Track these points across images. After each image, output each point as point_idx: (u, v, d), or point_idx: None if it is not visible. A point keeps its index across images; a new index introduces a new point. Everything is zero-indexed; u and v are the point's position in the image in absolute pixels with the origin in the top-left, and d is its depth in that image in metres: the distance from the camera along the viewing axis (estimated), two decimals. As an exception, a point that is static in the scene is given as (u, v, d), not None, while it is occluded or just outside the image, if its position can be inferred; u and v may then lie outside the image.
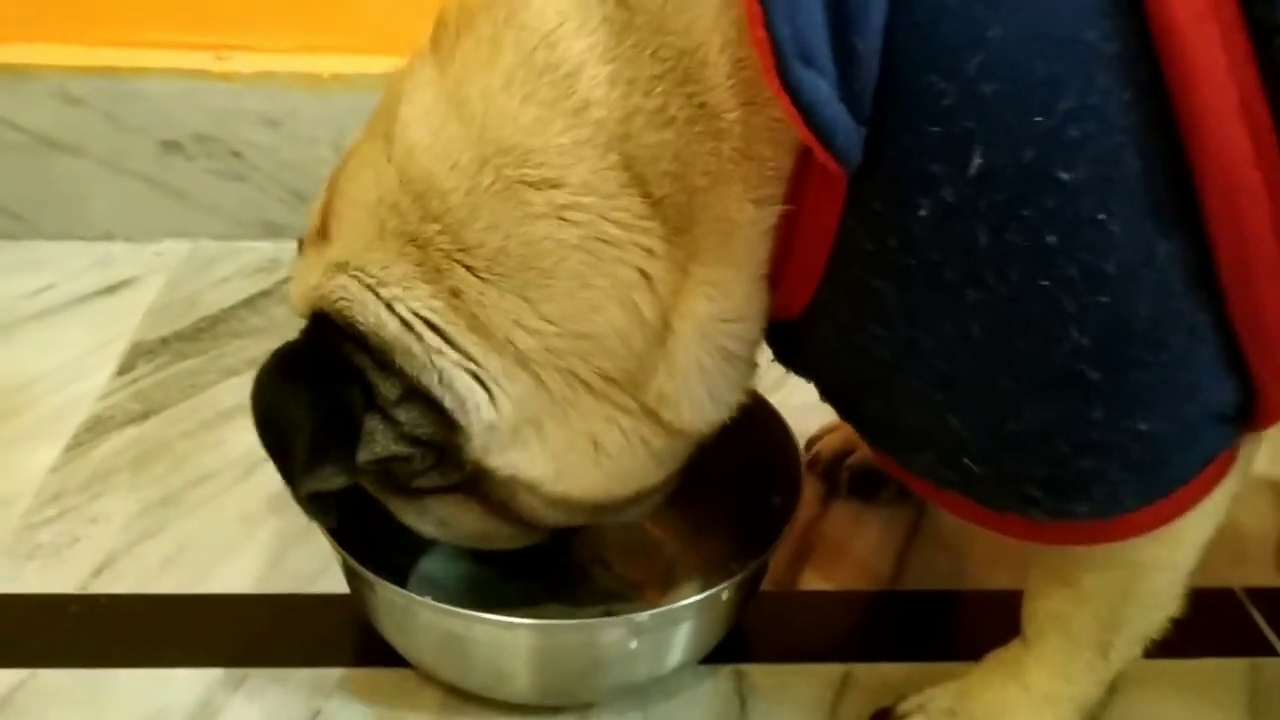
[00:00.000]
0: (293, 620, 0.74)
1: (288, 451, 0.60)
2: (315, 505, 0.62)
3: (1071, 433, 0.51)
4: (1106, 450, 0.52)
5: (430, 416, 0.59)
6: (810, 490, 0.87)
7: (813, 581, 0.80)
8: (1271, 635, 0.77)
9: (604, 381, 0.58)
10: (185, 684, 0.69)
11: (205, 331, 1.05)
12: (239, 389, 0.96)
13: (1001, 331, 0.49)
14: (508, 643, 0.64)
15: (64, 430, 0.91)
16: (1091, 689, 0.64)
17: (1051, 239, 0.47)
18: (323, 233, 0.61)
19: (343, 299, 0.58)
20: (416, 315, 0.57)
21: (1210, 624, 0.78)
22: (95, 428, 0.92)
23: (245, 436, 0.88)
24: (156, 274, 1.15)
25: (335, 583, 0.71)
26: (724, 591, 0.63)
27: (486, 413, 0.58)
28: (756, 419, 0.66)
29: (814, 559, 0.82)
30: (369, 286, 0.57)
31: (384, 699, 0.69)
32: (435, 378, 0.58)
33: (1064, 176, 0.46)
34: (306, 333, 0.61)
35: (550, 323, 0.56)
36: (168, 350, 1.02)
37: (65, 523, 0.82)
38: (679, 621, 0.64)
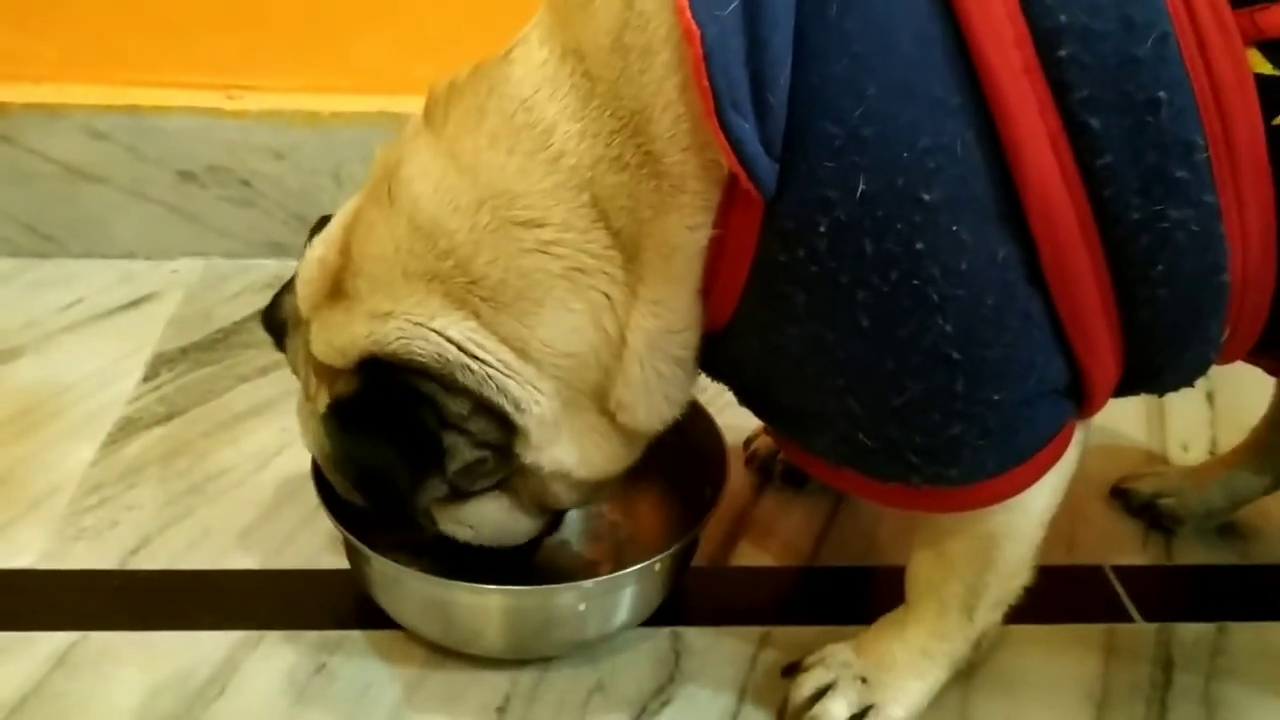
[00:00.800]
0: (301, 591, 0.86)
1: (389, 486, 0.69)
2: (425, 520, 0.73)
3: (941, 404, 0.63)
4: (969, 418, 0.63)
5: (495, 423, 0.69)
6: (746, 481, 1.00)
7: (744, 558, 0.93)
8: (1130, 605, 0.90)
9: (583, 393, 0.69)
10: (212, 644, 0.81)
11: (220, 342, 1.16)
12: (251, 393, 1.08)
13: (886, 322, 0.61)
14: (481, 606, 0.77)
15: (99, 430, 1.02)
16: (960, 645, 0.77)
17: (919, 245, 0.59)
18: (336, 294, 0.69)
19: (400, 338, 0.67)
20: (465, 338, 0.66)
21: (1080, 596, 0.91)
22: (126, 428, 1.03)
23: (258, 436, 1.03)
24: (175, 290, 1.26)
25: (337, 559, 0.83)
26: (656, 564, 0.76)
27: (536, 411, 0.68)
28: (691, 420, 0.77)
29: (746, 538, 0.94)
30: (419, 323, 0.66)
31: (378, 655, 0.81)
32: (494, 388, 0.67)
33: (926, 197, 0.58)
34: (362, 379, 0.69)
35: (546, 345, 0.67)
36: (187, 359, 1.14)
37: (105, 510, 0.94)
38: (620, 588, 0.77)
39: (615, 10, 0.62)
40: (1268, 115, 0.58)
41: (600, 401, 0.69)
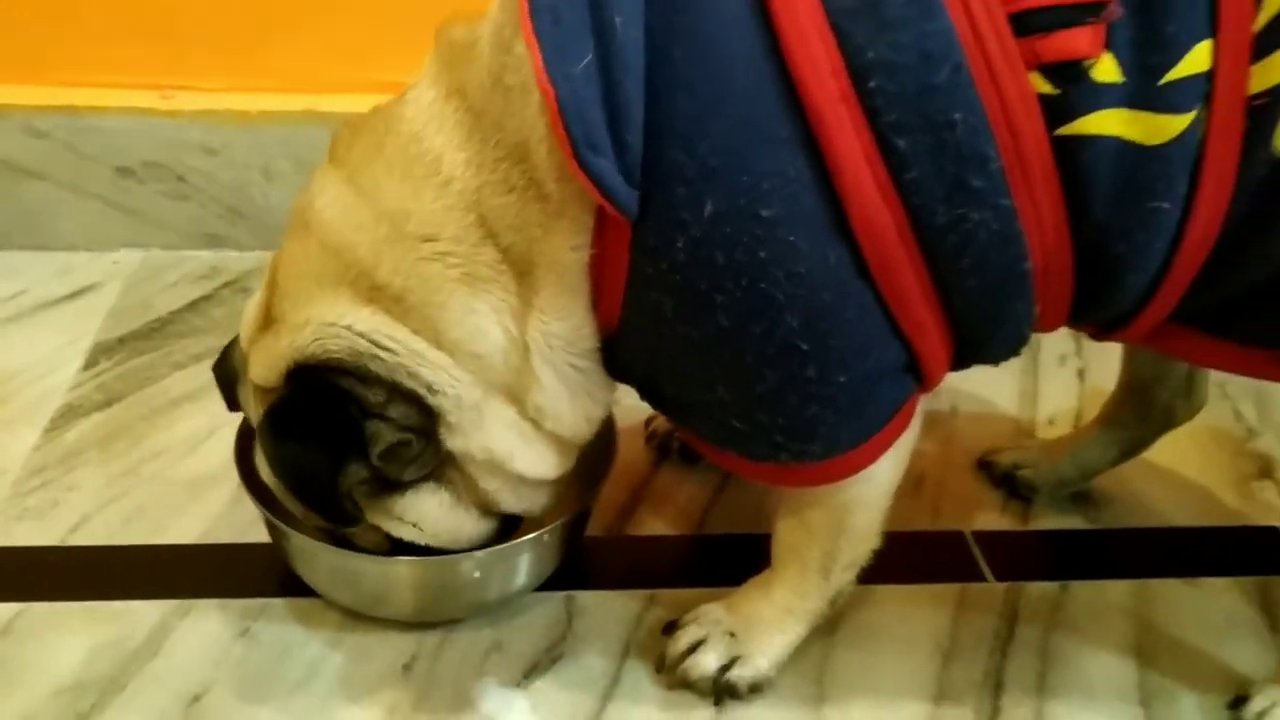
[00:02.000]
0: (228, 563, 0.94)
1: (317, 479, 0.76)
2: (351, 508, 0.78)
3: (797, 388, 0.72)
4: (822, 399, 0.72)
5: (413, 407, 0.75)
6: (645, 457, 1.09)
7: (639, 527, 1.01)
8: (984, 566, 0.99)
9: (499, 391, 0.75)
10: (146, 611, 0.89)
11: (157, 331, 1.23)
12: (185, 380, 1.15)
13: (742, 321, 0.69)
14: (386, 574, 0.85)
15: (42, 416, 1.09)
16: (818, 603, 0.86)
17: (763, 255, 0.67)
18: (267, 323, 0.77)
19: (316, 340, 0.74)
20: (374, 330, 0.73)
21: (940, 558, 1.01)
22: (68, 414, 1.10)
23: (191, 420, 1.10)
24: (114, 280, 1.32)
25: (260, 535, 0.90)
26: (545, 534, 0.85)
27: (451, 393, 0.74)
28: None
29: (642, 509, 1.03)
30: (331, 324, 0.73)
31: (297, 620, 0.89)
32: (405, 374, 0.74)
33: (765, 214, 0.66)
34: (289, 386, 0.75)
35: (456, 341, 0.74)
36: (125, 348, 1.20)
37: (47, 491, 1.01)
38: (512, 556, 0.86)
39: (495, 54, 0.69)
40: (1051, 128, 0.66)
41: (520, 406, 0.76)
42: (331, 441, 0.75)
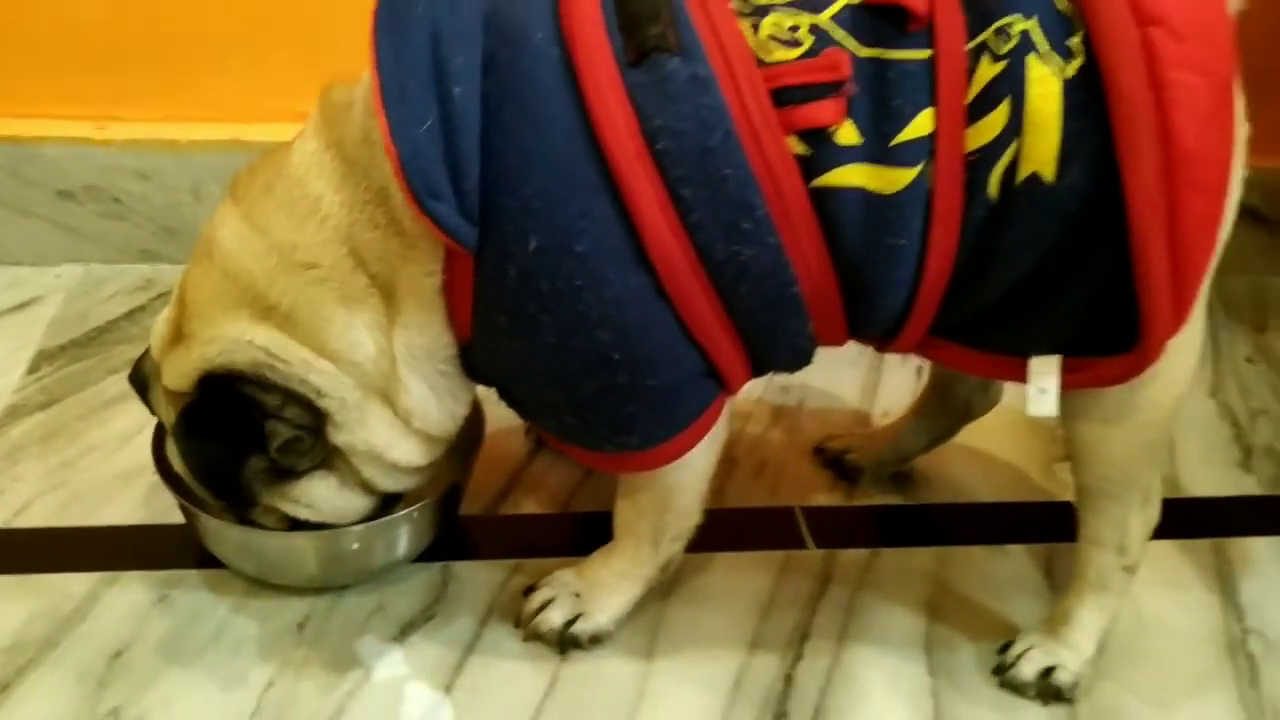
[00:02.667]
0: (150, 541, 1.09)
1: (221, 470, 0.90)
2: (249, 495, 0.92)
3: (615, 391, 0.86)
4: (637, 400, 0.87)
5: (304, 409, 0.89)
6: (523, 446, 1.24)
7: (512, 507, 1.17)
8: (807, 536, 1.15)
9: (375, 394, 0.90)
10: (77, 582, 1.04)
11: (95, 339, 1.36)
12: (119, 382, 1.25)
13: (565, 336, 0.84)
14: (285, 547, 1.00)
15: None
16: (650, 570, 1.01)
17: (578, 282, 0.81)
18: (177, 337, 0.90)
19: (221, 353, 0.87)
20: (271, 344, 0.87)
21: (771, 530, 1.16)
22: (12, 414, 1.24)
23: (122, 419, 1.24)
24: (57, 293, 1.44)
25: (177, 517, 1.04)
26: (415, 511, 1.00)
27: (337, 396, 0.88)
28: None
29: (516, 491, 1.18)
30: (234, 339, 0.87)
31: (208, 588, 1.04)
32: (298, 381, 0.87)
33: (578, 249, 0.81)
34: (199, 392, 0.89)
35: (338, 351, 0.88)
36: (65, 355, 1.33)
37: None
38: (388, 530, 1.01)
39: (365, 116, 0.83)
40: (807, 180, 0.80)
41: (392, 406, 0.90)
42: (235, 439, 0.89)
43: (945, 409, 1.18)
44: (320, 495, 0.95)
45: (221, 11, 1.40)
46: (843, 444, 1.24)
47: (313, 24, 1.39)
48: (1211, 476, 1.30)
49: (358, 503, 0.97)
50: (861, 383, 1.38)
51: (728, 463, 1.24)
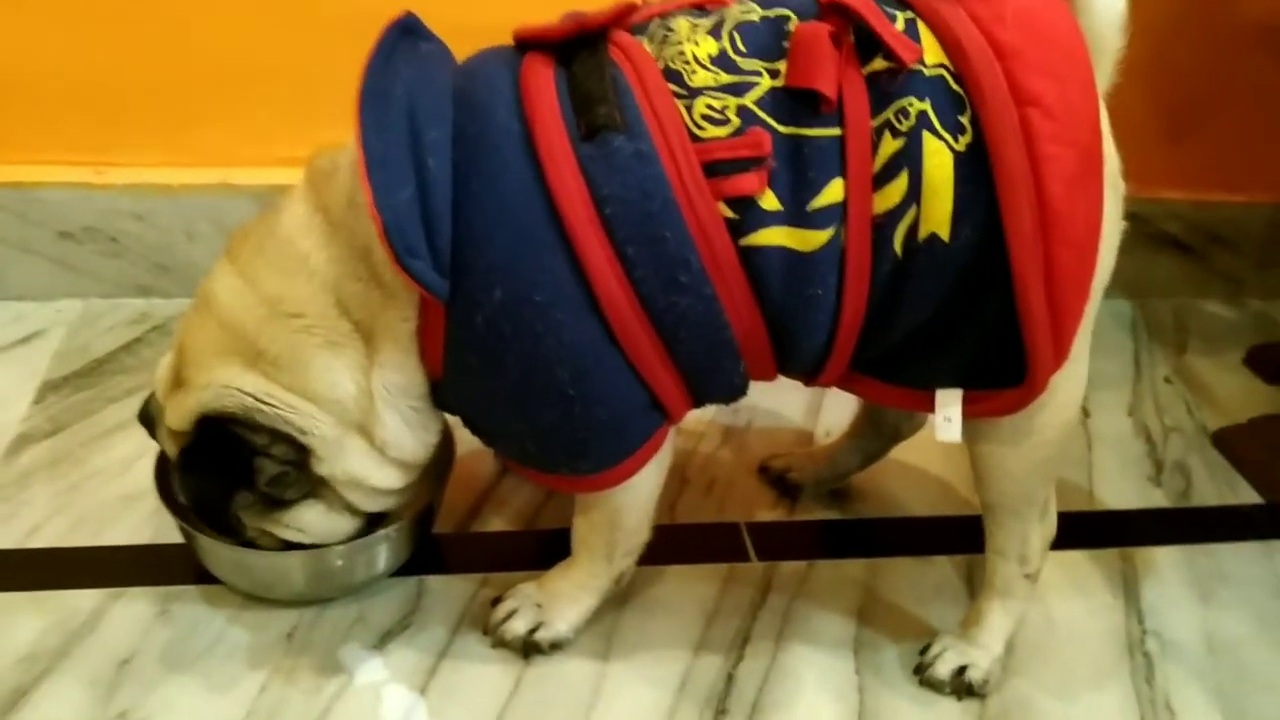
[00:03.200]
0: (152, 559, 1.18)
1: (214, 503, 1.01)
2: (237, 525, 1.04)
3: (569, 421, 0.97)
4: (588, 430, 0.98)
5: (290, 447, 0.99)
6: (491, 470, 1.34)
7: (483, 525, 1.27)
8: (751, 549, 1.26)
9: (353, 428, 1.00)
10: (86, 598, 1.13)
11: (95, 370, 1.45)
12: (119, 411, 1.38)
13: (526, 375, 0.94)
14: (275, 565, 1.10)
15: (0, 444, 1.33)
16: (605, 582, 1.12)
17: (538, 328, 0.92)
18: (177, 382, 1.00)
19: (216, 398, 0.97)
20: (258, 391, 0.97)
21: (718, 544, 1.27)
22: (22, 442, 1.33)
23: (124, 445, 1.34)
24: (59, 327, 1.52)
25: (177, 537, 1.13)
26: (393, 530, 1.11)
27: (318, 433, 0.99)
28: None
29: (486, 511, 1.29)
30: (225, 385, 0.97)
31: (205, 602, 1.14)
32: (283, 421, 0.98)
33: (537, 299, 0.91)
34: (197, 433, 0.99)
35: (319, 392, 0.98)
36: (69, 385, 1.42)
37: (7, 505, 1.24)
38: (370, 547, 1.11)
39: (348, 181, 0.94)
40: (735, 240, 0.90)
41: (369, 439, 1.01)
42: (229, 475, 1.00)
43: (877, 432, 1.29)
44: (310, 520, 1.06)
45: (210, 67, 1.49)
46: (784, 463, 1.35)
47: (292, 79, 1.50)
48: (1124, 490, 1.42)
49: (344, 524, 1.08)
50: (806, 405, 1.50)
51: (680, 481, 1.36)
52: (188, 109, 1.53)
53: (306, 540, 1.07)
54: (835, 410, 1.47)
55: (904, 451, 1.33)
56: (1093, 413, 1.55)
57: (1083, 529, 1.34)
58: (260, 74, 1.51)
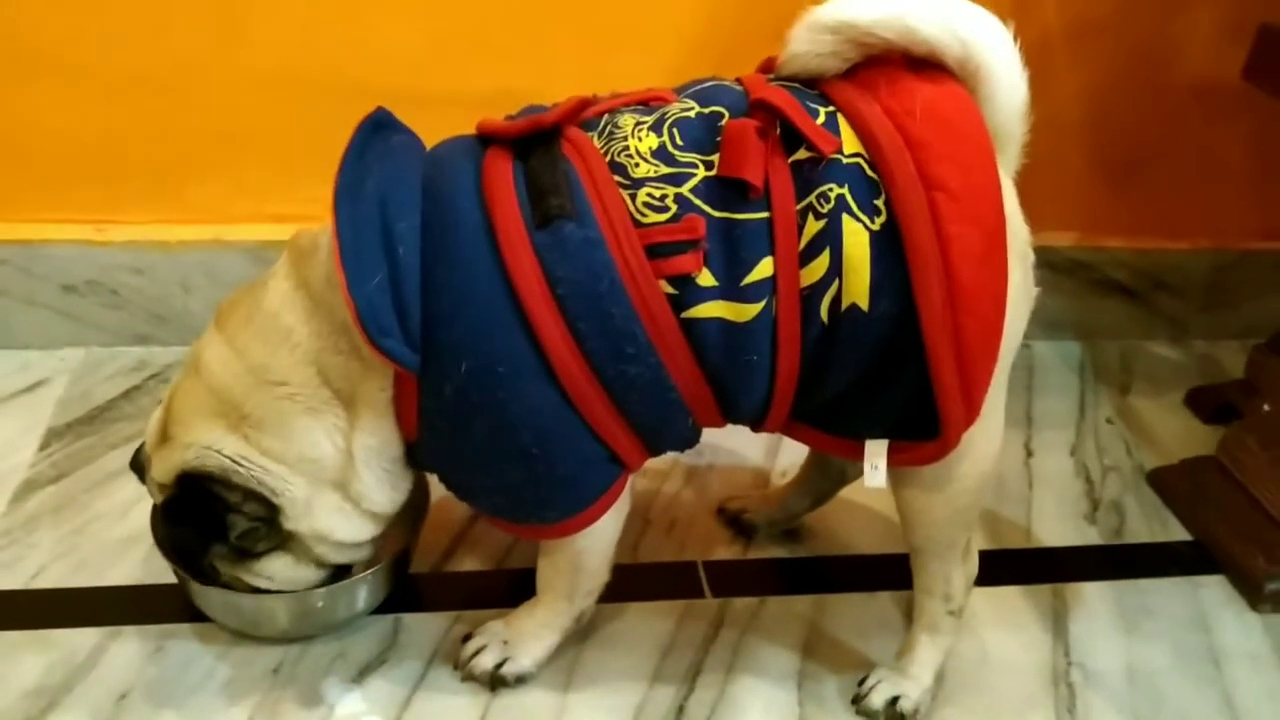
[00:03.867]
0: (148, 599, 1.27)
1: (191, 552, 1.11)
2: (212, 571, 1.14)
3: (533, 478, 1.05)
4: (551, 484, 1.07)
5: (262, 505, 1.07)
6: (464, 513, 1.43)
7: (456, 565, 1.36)
8: (706, 586, 1.35)
9: (326, 485, 1.09)
10: (86, 636, 1.22)
11: (96, 417, 1.54)
12: (120, 457, 1.45)
13: (493, 437, 1.03)
14: (261, 606, 1.19)
15: (7, 489, 1.40)
16: (566, 620, 1.20)
17: (501, 395, 1.01)
18: (164, 437, 1.09)
19: (196, 458, 1.05)
20: (236, 454, 1.06)
21: (675, 582, 1.36)
22: (27, 487, 1.41)
23: (123, 490, 1.43)
24: (62, 375, 1.61)
25: (172, 579, 1.23)
26: (370, 575, 1.20)
27: (289, 495, 1.08)
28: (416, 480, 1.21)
29: (459, 552, 1.38)
30: (207, 447, 1.06)
31: (197, 639, 1.23)
32: (257, 482, 1.06)
33: (501, 370, 1.00)
34: (177, 488, 1.07)
35: (296, 455, 1.07)
36: (71, 432, 1.51)
37: (13, 549, 1.32)
38: (350, 589, 1.20)
39: (327, 261, 1.03)
40: (677, 313, 0.99)
41: (343, 492, 1.10)
42: (204, 527, 1.10)
43: (824, 475, 1.39)
44: (276, 570, 1.15)
45: (204, 130, 1.59)
46: (740, 504, 1.45)
47: (282, 141, 1.59)
48: (1060, 528, 1.52)
49: (310, 574, 1.16)
50: (764, 447, 1.59)
51: (643, 522, 1.45)
52: (183, 170, 1.62)
53: (273, 588, 1.16)
54: (791, 452, 1.55)
55: (853, 492, 1.42)
56: (1035, 452, 1.65)
57: (1018, 565, 1.44)
58: (251, 137, 1.60)
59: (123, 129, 1.58)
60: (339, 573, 1.19)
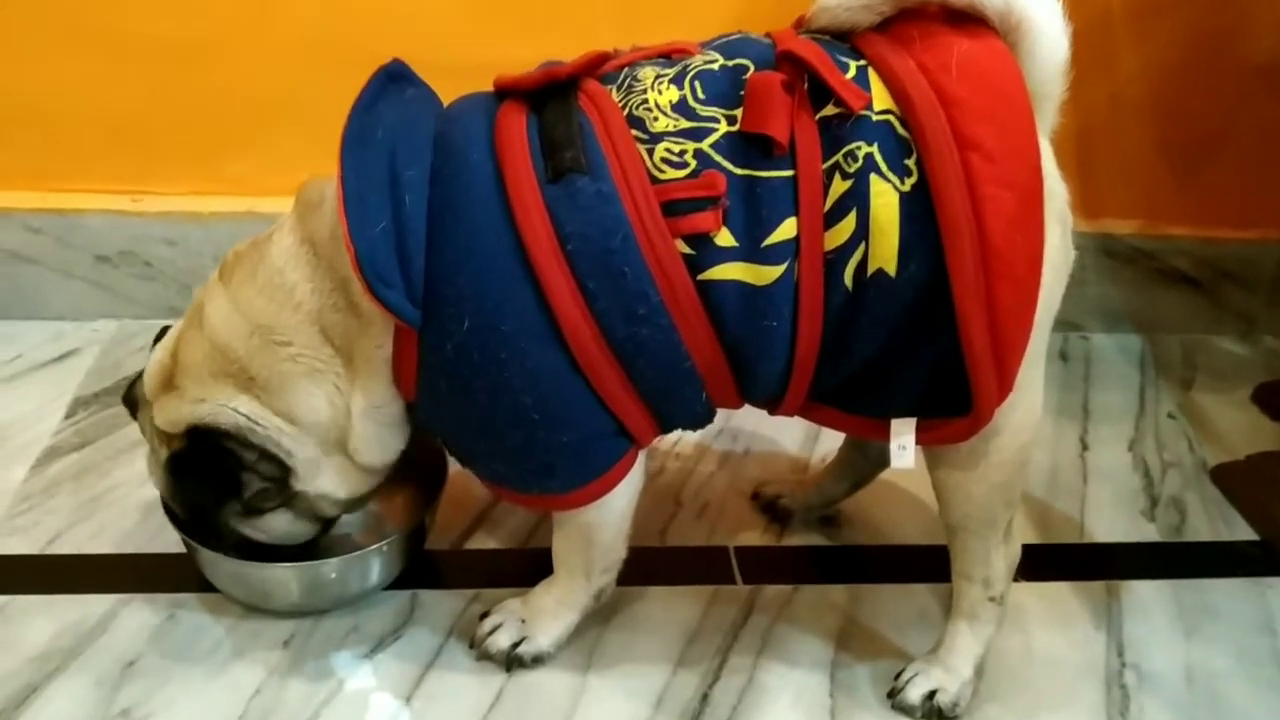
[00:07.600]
0: (160, 567, 1.25)
1: (204, 507, 1.09)
2: (228, 532, 1.11)
3: (535, 444, 1.01)
4: (554, 451, 1.02)
5: (275, 465, 1.06)
6: (485, 492, 1.37)
7: (477, 543, 1.32)
8: (737, 573, 1.30)
9: (331, 444, 1.07)
10: (98, 602, 1.20)
11: (124, 387, 1.53)
12: None
13: (492, 399, 0.99)
14: (268, 576, 1.16)
15: (30, 455, 1.40)
16: (584, 598, 1.16)
17: (503, 355, 0.96)
18: (169, 385, 1.07)
19: (211, 414, 1.04)
20: (251, 411, 1.04)
21: (705, 566, 1.31)
22: (50, 454, 1.41)
23: (144, 460, 1.39)
24: (94, 346, 1.61)
25: (182, 548, 1.21)
26: (384, 546, 1.17)
27: (302, 456, 1.06)
28: (426, 449, 1.18)
29: (480, 531, 1.34)
30: (222, 404, 1.04)
31: (207, 609, 1.20)
32: (273, 443, 1.05)
33: (504, 328, 0.96)
34: (188, 440, 1.05)
35: (303, 415, 1.05)
36: (99, 401, 1.51)
37: (32, 514, 1.31)
38: (360, 563, 1.17)
39: (332, 214, 0.99)
40: (693, 274, 0.94)
41: (343, 449, 1.07)
42: (215, 483, 1.07)
43: (863, 459, 1.32)
44: (276, 525, 1.12)
45: (237, 102, 1.58)
46: (776, 489, 1.39)
47: (314, 112, 1.53)
48: (1116, 524, 1.44)
49: (305, 529, 1.14)
50: (804, 433, 1.53)
51: (674, 504, 1.40)
52: (216, 141, 1.62)
53: (268, 541, 1.14)
54: (831, 439, 1.49)
55: (894, 474, 1.35)
56: (1091, 446, 1.57)
57: (1069, 560, 1.36)
58: (284, 108, 1.59)
59: (158, 100, 1.58)
60: (328, 525, 1.17)
